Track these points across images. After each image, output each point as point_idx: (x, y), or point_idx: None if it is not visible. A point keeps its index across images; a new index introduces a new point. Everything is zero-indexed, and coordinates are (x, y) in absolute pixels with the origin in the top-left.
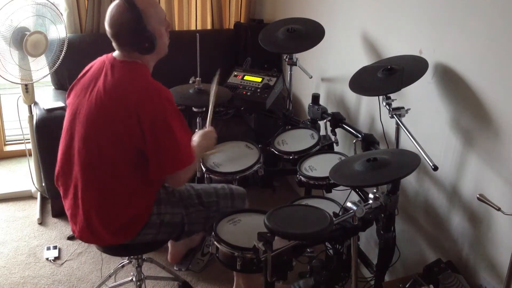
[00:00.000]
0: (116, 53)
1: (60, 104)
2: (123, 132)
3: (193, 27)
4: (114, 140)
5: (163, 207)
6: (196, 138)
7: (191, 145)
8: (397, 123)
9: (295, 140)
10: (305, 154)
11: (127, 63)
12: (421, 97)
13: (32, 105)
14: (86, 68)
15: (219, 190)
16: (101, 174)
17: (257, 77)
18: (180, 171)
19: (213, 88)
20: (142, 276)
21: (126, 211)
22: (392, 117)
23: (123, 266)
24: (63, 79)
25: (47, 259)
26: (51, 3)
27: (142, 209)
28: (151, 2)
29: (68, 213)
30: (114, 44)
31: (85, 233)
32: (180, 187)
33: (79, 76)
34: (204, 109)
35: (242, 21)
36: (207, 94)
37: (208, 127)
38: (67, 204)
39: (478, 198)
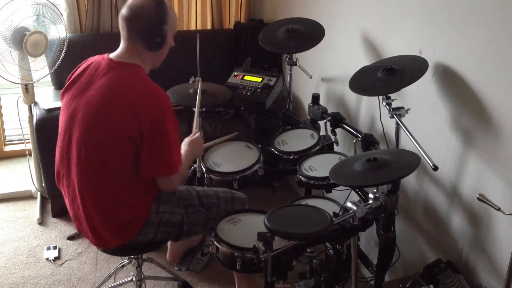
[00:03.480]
0: (113, 54)
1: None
2: (123, 133)
3: (193, 27)
4: (114, 142)
5: (162, 206)
6: (183, 146)
7: (180, 152)
8: (397, 123)
9: (295, 140)
10: (305, 154)
11: (124, 65)
12: (421, 97)
13: (32, 105)
14: (80, 68)
15: (219, 193)
16: (101, 175)
17: (257, 77)
18: (173, 175)
19: (198, 96)
20: (142, 276)
21: (126, 211)
22: (392, 117)
23: (123, 266)
24: (63, 79)
25: (47, 259)
26: (51, 3)
27: (141, 208)
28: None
29: (70, 214)
30: (122, 29)
31: (90, 235)
32: (181, 187)
33: (72, 76)
34: (204, 109)
35: (242, 21)
36: (207, 94)
37: (194, 133)
38: (68, 206)
39: (478, 198)
